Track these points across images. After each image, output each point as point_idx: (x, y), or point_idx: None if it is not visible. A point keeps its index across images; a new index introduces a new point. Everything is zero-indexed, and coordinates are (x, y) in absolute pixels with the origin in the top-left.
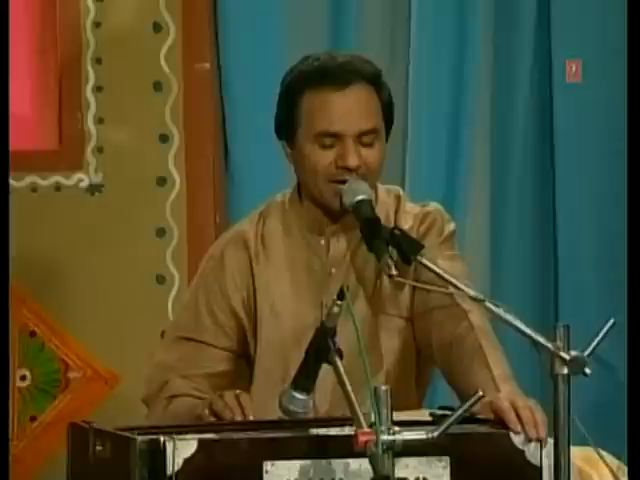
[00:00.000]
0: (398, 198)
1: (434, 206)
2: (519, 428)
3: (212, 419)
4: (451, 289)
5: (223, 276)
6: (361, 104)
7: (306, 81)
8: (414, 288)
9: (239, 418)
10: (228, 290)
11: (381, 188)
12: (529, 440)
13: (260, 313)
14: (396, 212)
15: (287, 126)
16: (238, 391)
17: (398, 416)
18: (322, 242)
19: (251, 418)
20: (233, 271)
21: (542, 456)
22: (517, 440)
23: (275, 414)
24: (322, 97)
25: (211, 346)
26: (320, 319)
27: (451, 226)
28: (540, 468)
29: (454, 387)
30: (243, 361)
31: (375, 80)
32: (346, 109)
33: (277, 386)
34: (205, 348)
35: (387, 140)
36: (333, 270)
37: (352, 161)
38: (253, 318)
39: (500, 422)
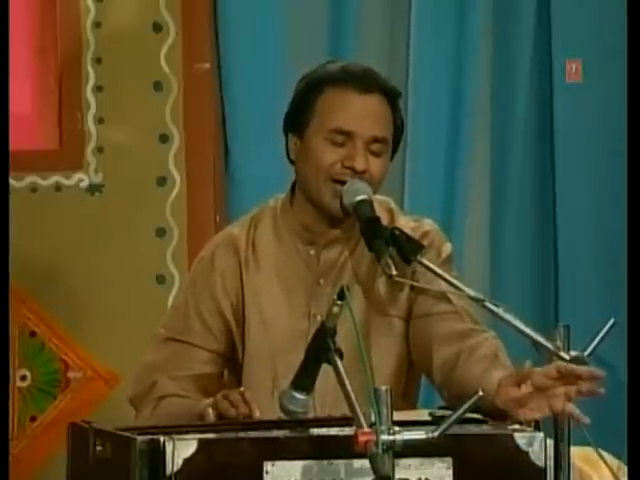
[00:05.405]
0: (391, 211)
1: (430, 225)
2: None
3: (213, 418)
4: (452, 290)
5: (213, 279)
6: (379, 112)
7: (330, 78)
8: (411, 290)
9: (245, 413)
10: (217, 294)
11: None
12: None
13: (248, 321)
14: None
15: (300, 118)
16: (242, 388)
17: (398, 416)
18: (312, 252)
19: (257, 414)
20: (223, 275)
21: (547, 457)
22: (521, 441)
23: None
24: (343, 95)
25: (199, 348)
26: (308, 329)
27: (448, 248)
28: (545, 469)
29: (461, 392)
30: (231, 365)
31: (394, 98)
32: (365, 112)
33: (266, 394)
34: (193, 350)
35: (391, 160)
36: (322, 281)
37: (359, 164)
38: (241, 325)
39: (499, 417)
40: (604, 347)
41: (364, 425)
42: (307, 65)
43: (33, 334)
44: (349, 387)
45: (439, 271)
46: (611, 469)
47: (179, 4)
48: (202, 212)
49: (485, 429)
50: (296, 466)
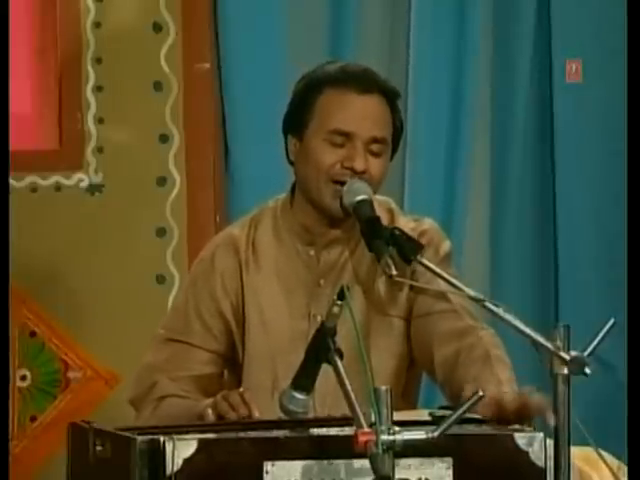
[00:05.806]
0: (391, 211)
1: (429, 223)
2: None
3: (213, 419)
4: (452, 289)
5: (213, 280)
6: (378, 113)
7: (329, 78)
8: (411, 290)
9: (244, 415)
10: (217, 294)
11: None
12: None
13: (248, 321)
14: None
15: (299, 119)
16: (242, 389)
17: (398, 416)
18: (312, 253)
19: (257, 414)
20: (223, 276)
21: (547, 457)
22: (521, 441)
23: None
24: (343, 96)
25: (199, 348)
26: (308, 330)
27: (447, 245)
28: (545, 469)
29: (461, 391)
30: (231, 365)
31: (393, 98)
32: (365, 112)
33: (265, 394)
34: (193, 350)
35: (390, 160)
36: (322, 281)
37: (359, 164)
38: (241, 325)
39: (500, 421)
40: (604, 347)
41: (364, 425)
42: (307, 65)
43: (33, 334)
44: (349, 387)
45: (438, 271)
46: (611, 469)
47: (179, 4)
48: (202, 212)
49: (485, 429)
50: (296, 466)
